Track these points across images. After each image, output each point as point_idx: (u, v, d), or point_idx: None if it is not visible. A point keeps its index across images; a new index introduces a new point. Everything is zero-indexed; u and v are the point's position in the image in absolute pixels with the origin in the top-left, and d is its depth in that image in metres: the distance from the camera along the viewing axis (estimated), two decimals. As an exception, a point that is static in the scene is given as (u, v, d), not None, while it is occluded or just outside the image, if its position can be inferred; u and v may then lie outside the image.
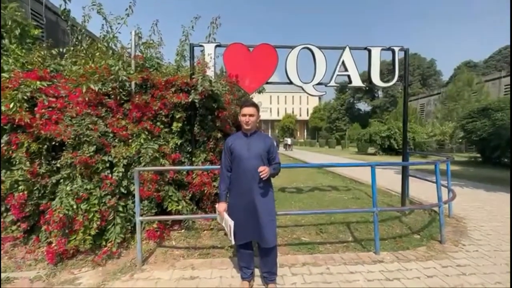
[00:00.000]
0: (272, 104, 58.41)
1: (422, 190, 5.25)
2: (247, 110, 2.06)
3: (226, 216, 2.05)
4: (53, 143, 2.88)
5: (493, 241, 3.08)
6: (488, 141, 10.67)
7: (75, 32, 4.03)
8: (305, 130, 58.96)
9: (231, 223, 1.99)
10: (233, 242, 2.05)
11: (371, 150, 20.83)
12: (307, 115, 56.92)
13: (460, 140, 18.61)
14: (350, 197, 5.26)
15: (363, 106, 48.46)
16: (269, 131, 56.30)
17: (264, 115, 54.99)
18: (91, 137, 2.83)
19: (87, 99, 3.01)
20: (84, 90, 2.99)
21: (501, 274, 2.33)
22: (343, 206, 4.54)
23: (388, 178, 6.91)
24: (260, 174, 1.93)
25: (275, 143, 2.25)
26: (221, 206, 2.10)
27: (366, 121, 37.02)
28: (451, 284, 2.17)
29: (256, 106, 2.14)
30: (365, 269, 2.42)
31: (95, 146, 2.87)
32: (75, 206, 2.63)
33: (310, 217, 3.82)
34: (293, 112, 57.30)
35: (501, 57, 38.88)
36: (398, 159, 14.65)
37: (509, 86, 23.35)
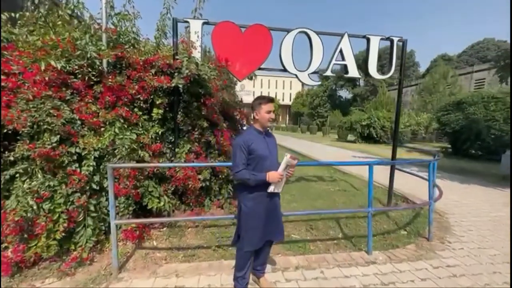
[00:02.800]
0: (255, 88, 57.31)
1: (403, 181, 5.35)
2: (272, 106, 1.93)
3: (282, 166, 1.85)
4: (5, 130, 2.40)
5: (475, 237, 3.19)
6: (460, 133, 11.27)
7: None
8: (287, 115, 59.16)
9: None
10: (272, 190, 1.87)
11: (350, 137, 21.39)
12: (290, 100, 56.88)
13: (432, 131, 19.72)
14: (337, 189, 5.26)
15: (345, 94, 49.27)
16: (252, 115, 55.66)
17: (247, 99, 53.76)
18: (53, 125, 2.39)
19: (47, 78, 2.51)
20: (42, 68, 2.49)
21: (488, 275, 2.38)
22: (331, 199, 4.50)
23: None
24: (289, 172, 1.91)
25: None
26: (273, 174, 1.82)
27: (347, 108, 37.77)
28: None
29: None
30: (359, 272, 2.35)
31: (58, 136, 2.44)
32: (35, 207, 2.24)
33: (303, 210, 3.72)
34: (276, 96, 56.84)
35: (473, 52, 40.94)
36: (376, 147, 15.17)
37: (479, 81, 24.76)
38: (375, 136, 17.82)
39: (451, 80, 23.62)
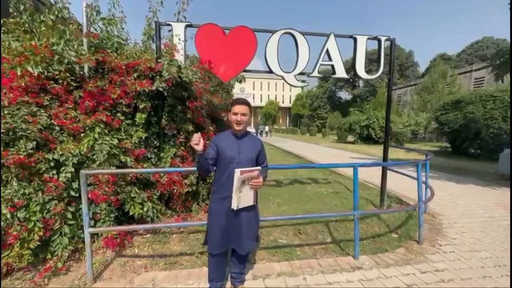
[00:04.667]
0: (255, 90, 57.47)
1: (398, 182, 5.27)
2: (240, 108, 1.84)
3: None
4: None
5: (468, 240, 3.09)
6: (458, 132, 11.16)
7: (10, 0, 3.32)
8: (287, 117, 59.12)
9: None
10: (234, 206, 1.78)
11: (350, 138, 21.30)
12: (290, 102, 56.88)
13: (432, 131, 19.58)
14: (330, 191, 5.17)
15: (344, 95, 49.23)
16: (252, 117, 55.73)
17: (246, 101, 53.80)
18: (29, 132, 2.35)
19: (23, 84, 2.48)
20: (18, 73, 2.45)
21: (477, 279, 2.29)
22: (322, 202, 4.41)
23: (365, 170, 6.91)
24: (252, 183, 1.78)
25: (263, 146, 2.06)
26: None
27: (346, 109, 37.68)
28: (430, 293, 2.09)
29: (249, 104, 1.92)
30: (343, 279, 2.27)
31: (34, 142, 2.39)
32: (9, 215, 2.19)
33: (289, 215, 3.64)
34: (276, 98, 56.90)
35: (473, 51, 40.79)
36: (375, 148, 15.04)
37: (479, 80, 24.64)
38: (374, 137, 17.73)
39: (450, 79, 23.52)
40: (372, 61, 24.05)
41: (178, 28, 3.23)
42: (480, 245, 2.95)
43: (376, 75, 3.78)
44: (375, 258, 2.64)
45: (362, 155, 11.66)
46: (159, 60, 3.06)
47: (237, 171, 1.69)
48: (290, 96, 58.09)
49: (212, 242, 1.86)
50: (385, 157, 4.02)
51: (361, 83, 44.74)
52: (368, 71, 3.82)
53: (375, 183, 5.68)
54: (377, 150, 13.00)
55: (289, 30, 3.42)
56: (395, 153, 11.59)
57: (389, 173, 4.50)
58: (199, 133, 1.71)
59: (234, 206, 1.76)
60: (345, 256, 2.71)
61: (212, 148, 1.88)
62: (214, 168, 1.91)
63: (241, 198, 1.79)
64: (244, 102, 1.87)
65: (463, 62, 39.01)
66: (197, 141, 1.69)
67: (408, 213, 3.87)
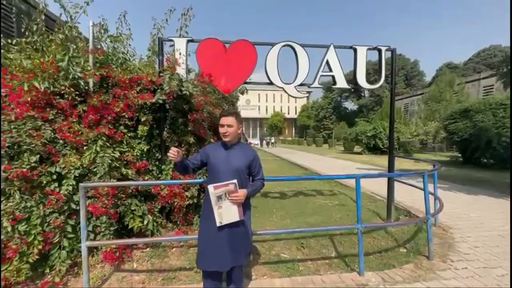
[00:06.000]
0: (260, 102, 58.08)
1: (407, 193, 5.11)
2: (225, 120, 1.86)
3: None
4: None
5: (482, 255, 2.92)
6: (469, 141, 10.85)
7: (23, 20, 3.51)
8: (293, 129, 59.11)
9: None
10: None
11: (357, 149, 20.99)
12: (295, 114, 57.05)
13: (441, 140, 19.13)
14: (335, 203, 5.04)
15: (350, 105, 49.08)
16: (258, 129, 56.03)
17: (252, 113, 54.58)
18: (33, 146, 2.40)
19: (29, 99, 2.56)
20: (25, 89, 2.54)
21: (493, 298, 2.14)
22: (327, 215, 4.29)
23: (373, 181, 6.74)
24: (231, 198, 1.75)
25: (259, 157, 2.01)
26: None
27: (352, 120, 37.45)
28: (442, 313, 1.95)
29: (236, 115, 1.90)
30: (348, 297, 2.16)
31: (38, 156, 2.44)
32: (9, 229, 2.20)
33: (291, 228, 3.54)
34: (281, 110, 57.24)
35: (480, 59, 40.41)
36: (383, 158, 14.73)
37: (487, 88, 24.25)
38: (382, 147, 17.43)
39: (457, 87, 23.19)
40: (377, 71, 24.06)
41: (180, 43, 3.33)
42: (495, 261, 2.78)
43: (378, 85, 3.75)
44: (381, 275, 2.51)
45: (370, 166, 11.43)
46: (161, 74, 3.14)
47: (210, 187, 1.69)
48: (296, 107, 58.35)
49: (199, 257, 1.84)
50: (390, 168, 3.91)
51: (366, 93, 44.62)
52: (374, 81, 3.80)
53: (383, 195, 5.52)
54: (386, 161, 12.71)
55: (288, 43, 3.47)
56: (403, 163, 11.31)
57: (398, 184, 4.38)
58: (175, 148, 1.80)
59: (217, 222, 1.75)
60: (349, 272, 2.59)
61: (200, 154, 1.96)
62: (194, 170, 1.98)
63: (223, 214, 1.73)
64: (230, 113, 1.89)
65: (470, 70, 38.60)
66: (174, 156, 1.78)
67: (417, 226, 3.71)
